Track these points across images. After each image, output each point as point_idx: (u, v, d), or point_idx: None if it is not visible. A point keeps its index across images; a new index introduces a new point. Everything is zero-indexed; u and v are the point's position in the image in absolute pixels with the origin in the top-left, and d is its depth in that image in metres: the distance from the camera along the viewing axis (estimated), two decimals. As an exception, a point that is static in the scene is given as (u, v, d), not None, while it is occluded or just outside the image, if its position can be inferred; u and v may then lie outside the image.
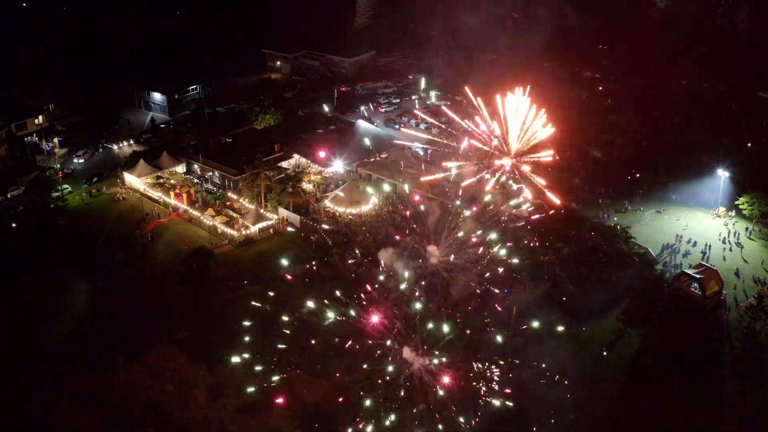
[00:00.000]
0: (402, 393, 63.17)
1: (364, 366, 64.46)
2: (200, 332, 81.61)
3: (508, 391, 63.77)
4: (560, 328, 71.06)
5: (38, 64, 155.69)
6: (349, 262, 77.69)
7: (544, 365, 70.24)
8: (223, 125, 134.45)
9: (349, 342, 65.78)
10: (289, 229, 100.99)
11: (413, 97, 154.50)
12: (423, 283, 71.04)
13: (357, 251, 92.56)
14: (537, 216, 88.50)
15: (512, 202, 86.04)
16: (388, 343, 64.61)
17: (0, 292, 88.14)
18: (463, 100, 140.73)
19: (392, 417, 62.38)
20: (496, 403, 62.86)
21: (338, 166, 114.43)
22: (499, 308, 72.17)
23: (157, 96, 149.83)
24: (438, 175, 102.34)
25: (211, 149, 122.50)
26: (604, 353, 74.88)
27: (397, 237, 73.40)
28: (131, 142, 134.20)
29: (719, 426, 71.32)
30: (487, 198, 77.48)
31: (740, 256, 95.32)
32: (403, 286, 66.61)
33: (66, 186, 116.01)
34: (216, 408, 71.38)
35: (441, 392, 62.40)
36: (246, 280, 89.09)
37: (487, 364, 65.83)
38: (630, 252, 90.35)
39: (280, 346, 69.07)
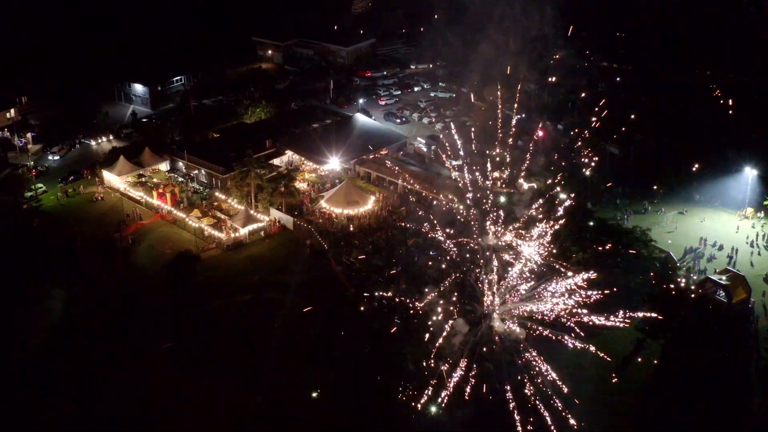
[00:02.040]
0: None
1: None
2: (186, 343, 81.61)
3: None
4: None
5: (10, 53, 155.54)
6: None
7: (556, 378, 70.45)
8: (209, 119, 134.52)
9: None
10: None
11: (416, 89, 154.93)
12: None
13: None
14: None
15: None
16: None
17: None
18: (469, 92, 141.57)
19: None
20: None
21: (335, 164, 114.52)
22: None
23: (138, 88, 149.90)
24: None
25: (197, 145, 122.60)
26: (614, 380, 75.02)
27: None
28: (110, 137, 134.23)
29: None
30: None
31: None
32: None
33: (40, 185, 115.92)
34: (204, 426, 71.46)
35: None
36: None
37: None
38: (650, 256, 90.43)
39: None
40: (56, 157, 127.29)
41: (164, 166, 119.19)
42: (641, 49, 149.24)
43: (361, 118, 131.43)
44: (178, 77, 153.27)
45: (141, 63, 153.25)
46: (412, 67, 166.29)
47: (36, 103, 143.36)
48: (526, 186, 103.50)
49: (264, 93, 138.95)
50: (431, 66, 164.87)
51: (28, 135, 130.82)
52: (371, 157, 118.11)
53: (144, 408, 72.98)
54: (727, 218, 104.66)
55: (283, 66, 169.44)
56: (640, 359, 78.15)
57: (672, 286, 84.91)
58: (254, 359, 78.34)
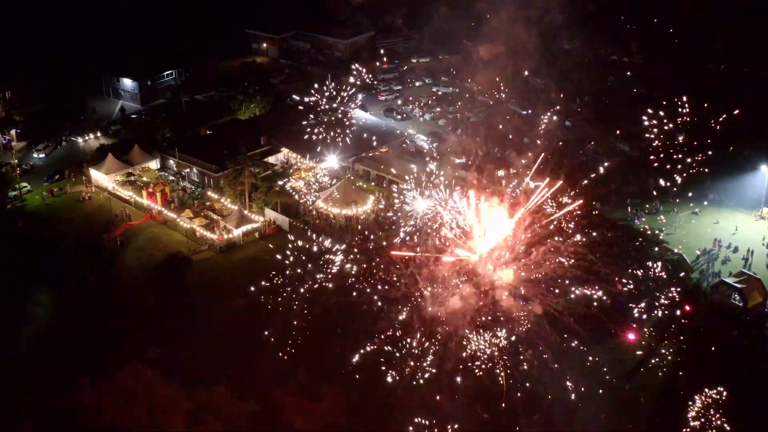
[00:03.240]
0: None
1: None
2: (176, 349, 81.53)
3: None
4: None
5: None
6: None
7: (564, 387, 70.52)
8: (202, 115, 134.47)
9: None
10: None
11: (417, 84, 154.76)
12: None
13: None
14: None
15: None
16: None
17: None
18: (473, 87, 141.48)
19: None
20: None
21: (332, 162, 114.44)
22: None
23: (127, 82, 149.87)
24: None
25: (189, 143, 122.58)
26: (626, 387, 75.12)
27: None
28: (98, 134, 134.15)
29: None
30: None
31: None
32: None
33: (24, 184, 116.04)
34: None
35: None
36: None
37: None
38: (662, 258, 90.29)
39: None
40: (41, 155, 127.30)
41: (154, 165, 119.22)
42: (653, 42, 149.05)
43: (359, 114, 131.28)
44: (169, 71, 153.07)
45: (130, 56, 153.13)
46: (413, 60, 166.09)
47: (21, 98, 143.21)
48: (533, 185, 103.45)
49: (258, 88, 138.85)
50: (432, 60, 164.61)
51: (12, 131, 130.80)
52: (371, 155, 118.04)
53: (132, 417, 72.92)
54: (742, 219, 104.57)
55: (279, 60, 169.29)
56: (651, 365, 78.22)
57: (685, 289, 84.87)
58: (247, 366, 78.28)
